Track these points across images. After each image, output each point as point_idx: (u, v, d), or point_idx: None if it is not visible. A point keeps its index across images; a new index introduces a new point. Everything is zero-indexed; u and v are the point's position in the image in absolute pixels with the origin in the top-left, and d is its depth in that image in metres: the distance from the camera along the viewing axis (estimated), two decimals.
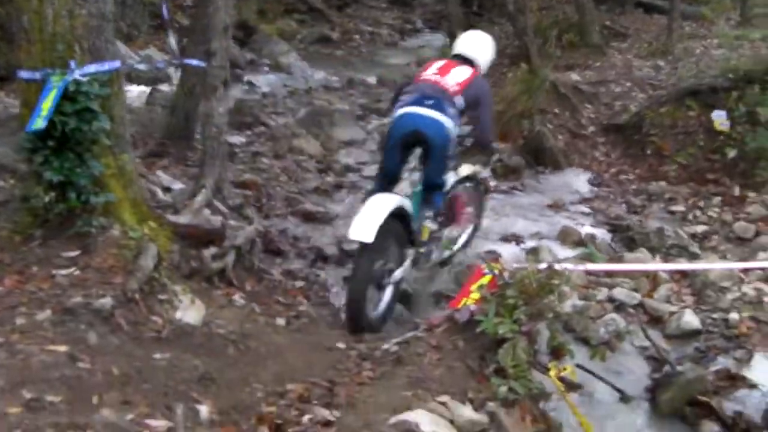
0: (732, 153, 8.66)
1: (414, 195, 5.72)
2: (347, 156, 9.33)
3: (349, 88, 12.40)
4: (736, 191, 8.36)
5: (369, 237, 5.12)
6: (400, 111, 5.74)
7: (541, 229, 7.70)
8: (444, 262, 6.38)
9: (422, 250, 5.90)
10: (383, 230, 5.17)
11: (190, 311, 4.55)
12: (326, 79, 12.87)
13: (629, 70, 10.67)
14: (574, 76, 10.32)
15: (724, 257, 7.09)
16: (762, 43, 11.07)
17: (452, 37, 13.22)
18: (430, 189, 5.87)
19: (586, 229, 7.70)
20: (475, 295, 4.62)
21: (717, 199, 8.27)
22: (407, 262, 5.73)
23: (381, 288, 5.52)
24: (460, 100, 5.77)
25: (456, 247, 6.53)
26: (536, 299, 4.46)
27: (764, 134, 8.10)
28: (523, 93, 9.63)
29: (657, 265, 6.52)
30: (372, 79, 12.95)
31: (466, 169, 6.44)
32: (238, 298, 5.32)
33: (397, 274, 5.60)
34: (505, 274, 4.64)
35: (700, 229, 7.73)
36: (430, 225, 5.92)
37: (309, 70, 13.05)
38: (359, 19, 17.66)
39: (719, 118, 8.83)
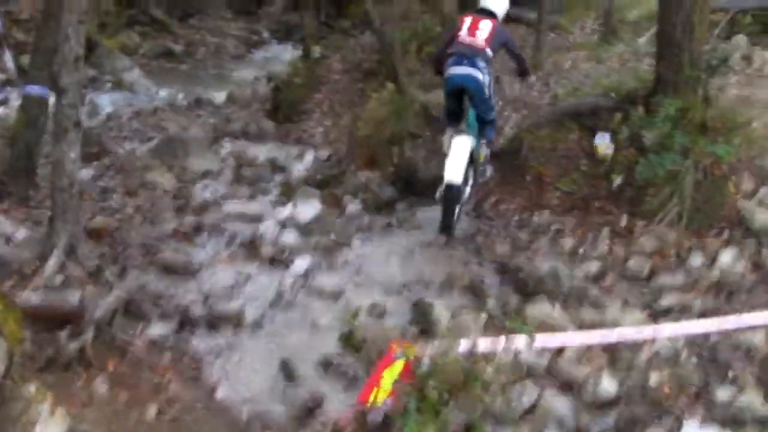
0: (618, 180, 8.47)
1: (470, 127, 8.48)
2: (204, 189, 8.98)
3: (197, 107, 11.95)
4: (624, 221, 8.18)
5: (458, 178, 7.90)
6: (448, 71, 8.14)
7: (426, 274, 7.33)
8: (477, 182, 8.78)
9: (480, 169, 8.67)
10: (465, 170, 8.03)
11: (50, 425, 3.99)
12: (172, 97, 12.39)
13: (500, 87, 10.40)
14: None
15: (625, 303, 6.88)
16: (633, 56, 11.08)
17: (306, 48, 12.84)
18: (483, 123, 8.50)
19: (474, 272, 7.37)
20: (388, 385, 4.11)
21: (606, 230, 8.05)
22: (470, 181, 8.45)
23: (459, 208, 8.18)
24: (488, 52, 8.11)
25: (488, 174, 8.92)
26: (462, 391, 3.98)
27: (652, 163, 7.91)
28: (392, 116, 9.21)
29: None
30: (221, 97, 12.50)
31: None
32: (100, 384, 4.85)
33: (466, 191, 8.35)
34: (424, 360, 4.15)
35: (594, 267, 7.50)
36: (485, 150, 8.66)
37: (153, 87, 12.53)
38: (204, 30, 17.38)
39: (603, 142, 8.64)
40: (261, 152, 10.69)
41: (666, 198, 8.06)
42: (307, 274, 7.20)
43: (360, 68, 12.20)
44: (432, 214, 8.55)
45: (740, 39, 12.21)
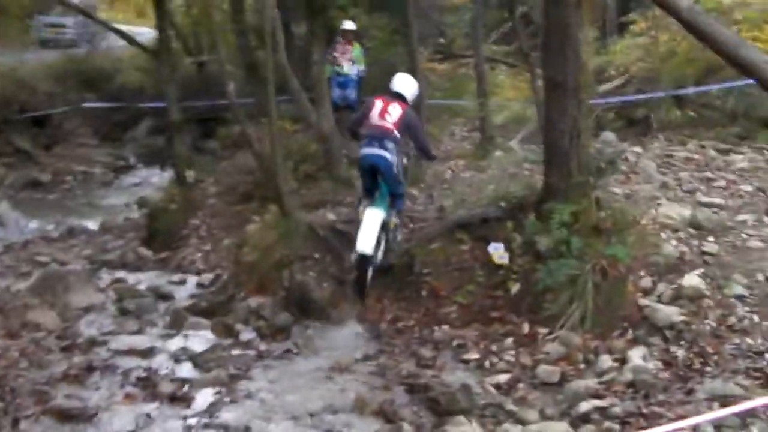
0: (515, 287, 8.50)
1: (383, 199, 9.08)
2: (89, 326, 8.72)
3: (70, 237, 11.62)
4: (526, 329, 8.18)
5: (370, 249, 8.59)
6: (361, 151, 9.08)
7: (333, 401, 7.07)
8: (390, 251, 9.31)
9: (392, 235, 9.30)
10: (376, 244, 8.71)
11: None
12: (43, 229, 11.94)
13: None
14: (329, 215, 9.85)
15: (542, 413, 6.78)
16: (512, 162, 11.29)
17: (179, 172, 12.62)
18: (393, 196, 9.21)
19: (382, 396, 7.16)
20: None
21: (509, 340, 8.04)
22: (383, 245, 9.07)
23: (371, 273, 8.85)
24: (396, 134, 8.94)
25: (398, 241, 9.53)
26: None
27: (552, 270, 7.97)
28: (279, 240, 9.05)
29: None
30: (94, 226, 12.06)
31: None
32: None
33: (378, 255, 8.97)
34: None
35: (503, 378, 7.43)
36: (395, 219, 9.34)
37: (23, 219, 12.11)
38: (69, 158, 17.07)
39: (496, 251, 8.68)
40: (142, 281, 10.48)
41: (565, 303, 8.10)
42: (210, 411, 6.85)
43: (235, 191, 12.11)
44: (331, 335, 8.37)
45: (608, 135, 12.71)
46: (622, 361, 7.36)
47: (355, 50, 14.09)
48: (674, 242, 8.81)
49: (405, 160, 9.36)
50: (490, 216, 9.02)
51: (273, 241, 9.16)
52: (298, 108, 11.47)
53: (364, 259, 8.63)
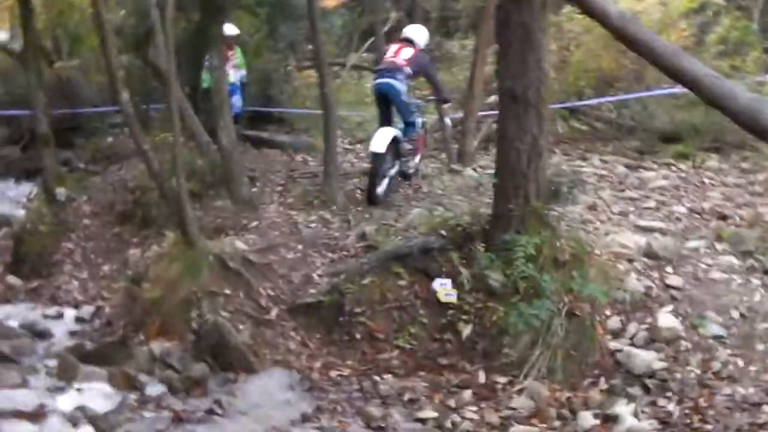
0: (467, 330, 7.82)
1: (395, 125, 10.93)
2: None
3: None
4: (482, 378, 7.51)
5: (381, 149, 10.34)
6: (374, 82, 11.10)
7: None
8: (408, 176, 11.36)
9: (404, 159, 11.05)
10: (387, 147, 10.42)
11: None
12: None
13: (295, 228, 9.48)
14: (239, 244, 8.86)
15: None
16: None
17: (48, 190, 11.42)
18: (406, 124, 11.05)
19: None
20: None
21: (467, 393, 7.30)
22: (397, 166, 10.94)
23: (383, 178, 10.58)
24: (407, 69, 10.73)
25: (411, 170, 11.40)
26: None
27: (523, 313, 7.34)
28: (184, 273, 8.03)
29: None
30: None
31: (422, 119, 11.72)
32: None
33: (392, 172, 10.80)
34: None
35: None
36: (407, 146, 11.06)
37: None
38: None
39: (443, 288, 7.97)
40: (12, 316, 9.41)
41: (526, 348, 7.53)
42: None
43: (113, 210, 11.03)
44: (256, 389, 7.44)
45: None
46: (606, 418, 6.82)
47: (238, 56, 13.85)
48: (634, 275, 8.40)
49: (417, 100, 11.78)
50: (431, 246, 8.27)
51: (176, 275, 8.13)
52: (183, 118, 10.47)
53: (377, 160, 10.32)
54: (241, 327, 8.02)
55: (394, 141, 10.58)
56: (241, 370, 7.73)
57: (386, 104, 10.84)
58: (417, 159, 11.61)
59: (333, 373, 7.79)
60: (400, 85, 10.59)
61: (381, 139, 10.36)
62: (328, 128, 10.50)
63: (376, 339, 8.02)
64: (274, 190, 11.08)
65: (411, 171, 11.29)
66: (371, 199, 10.38)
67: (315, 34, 11.03)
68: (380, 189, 10.46)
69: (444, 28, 20.27)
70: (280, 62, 15.03)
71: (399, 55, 10.88)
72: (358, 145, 13.87)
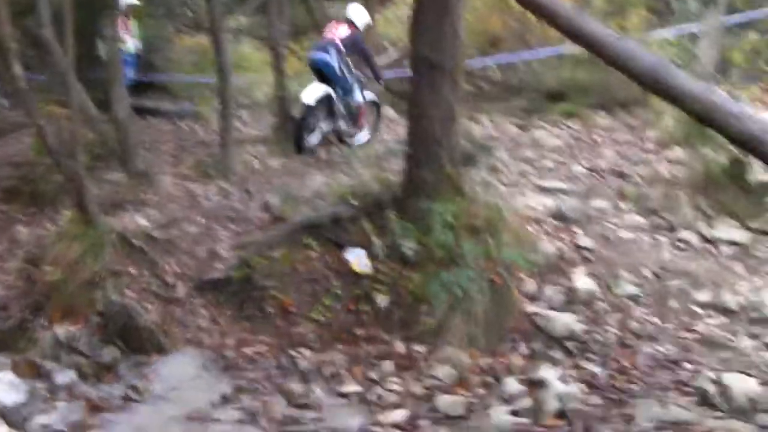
0: (383, 300, 7.77)
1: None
2: None
3: None
4: (401, 348, 7.46)
5: (310, 101, 11.59)
6: (309, 54, 12.57)
7: None
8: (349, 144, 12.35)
9: (340, 122, 12.35)
10: (319, 101, 11.73)
11: None
12: None
13: (194, 200, 9.28)
14: (141, 220, 8.60)
15: None
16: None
17: None
18: (341, 91, 12.22)
19: None
20: None
21: (387, 364, 7.23)
22: (329, 125, 12.18)
23: (312, 131, 11.80)
24: (339, 45, 12.03)
25: (356, 143, 12.49)
26: None
27: (445, 282, 7.34)
28: (86, 253, 7.75)
29: None
30: None
31: (369, 95, 12.79)
32: None
33: (324, 127, 12.11)
34: None
35: (399, 415, 6.47)
36: (341, 109, 12.25)
37: None
38: None
39: (357, 258, 7.91)
40: None
41: (444, 315, 7.53)
42: None
43: None
44: (171, 371, 7.24)
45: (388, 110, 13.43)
46: (532, 383, 6.88)
47: (134, 26, 13.84)
48: (545, 237, 8.53)
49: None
50: (342, 216, 8.17)
51: (77, 255, 7.84)
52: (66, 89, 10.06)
53: (305, 111, 11.55)
54: (149, 307, 7.80)
55: (328, 99, 11.85)
56: (153, 352, 7.49)
57: (321, 77, 12.03)
58: (363, 133, 12.79)
59: (248, 350, 7.63)
60: (331, 59, 11.92)
61: (311, 92, 11.63)
62: (224, 97, 10.30)
63: (289, 313, 7.88)
64: (167, 161, 10.81)
65: (357, 143, 12.43)
66: (299, 148, 11.54)
67: (210, 2, 10.72)
68: (311, 141, 11.75)
69: None
70: (159, 28, 14.60)
71: (334, 32, 12.21)
72: (242, 112, 13.65)
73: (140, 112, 13.08)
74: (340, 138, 12.45)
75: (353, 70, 12.37)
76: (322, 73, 11.98)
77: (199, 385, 7.13)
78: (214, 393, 6.97)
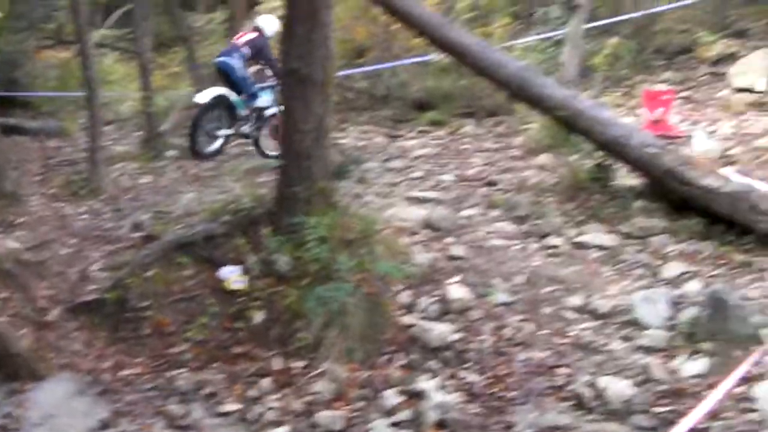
0: (259, 316, 7.82)
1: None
2: None
3: None
4: (279, 364, 7.51)
5: (203, 100, 12.31)
6: (214, 59, 12.99)
7: None
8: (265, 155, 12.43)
9: (240, 126, 12.96)
10: (214, 102, 12.44)
11: None
12: None
13: (65, 221, 9.15)
14: (10, 242, 8.42)
15: None
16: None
17: None
18: (248, 96, 12.87)
19: None
20: None
21: (266, 382, 7.28)
22: (231, 130, 12.78)
23: (211, 137, 12.56)
24: (245, 50, 12.84)
25: (272, 154, 11.88)
26: None
27: (321, 296, 7.44)
28: None
29: None
30: None
31: None
32: None
33: (223, 132, 12.72)
34: None
35: None
36: (242, 112, 12.83)
37: None
38: None
39: (231, 275, 7.94)
40: None
41: (321, 330, 7.62)
42: None
43: None
44: (47, 397, 7.14)
45: None
46: (411, 394, 7.04)
47: None
48: (418, 248, 8.70)
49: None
50: (215, 233, 8.20)
51: None
52: None
53: (199, 111, 12.31)
54: (22, 332, 7.68)
55: (227, 103, 12.54)
56: (28, 379, 7.34)
57: (227, 80, 12.74)
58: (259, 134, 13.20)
59: (125, 373, 7.57)
60: (234, 62, 12.66)
61: (205, 93, 12.45)
62: (92, 112, 10.16)
63: (165, 333, 7.85)
64: (35, 181, 10.62)
65: (272, 154, 12.15)
66: (195, 153, 12.20)
67: (77, 15, 10.57)
68: (210, 147, 12.53)
69: (188, 1, 19.92)
70: (20, 43, 14.28)
71: (241, 39, 13.05)
72: (107, 127, 13.48)
73: (4, 130, 12.79)
74: (258, 148, 12.91)
75: (265, 76, 13.08)
76: (227, 77, 12.59)
77: (76, 410, 7.06)
78: (92, 418, 6.95)
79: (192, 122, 12.21)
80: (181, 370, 7.57)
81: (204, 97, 12.28)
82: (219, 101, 12.43)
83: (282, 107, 8.38)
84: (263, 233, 8.06)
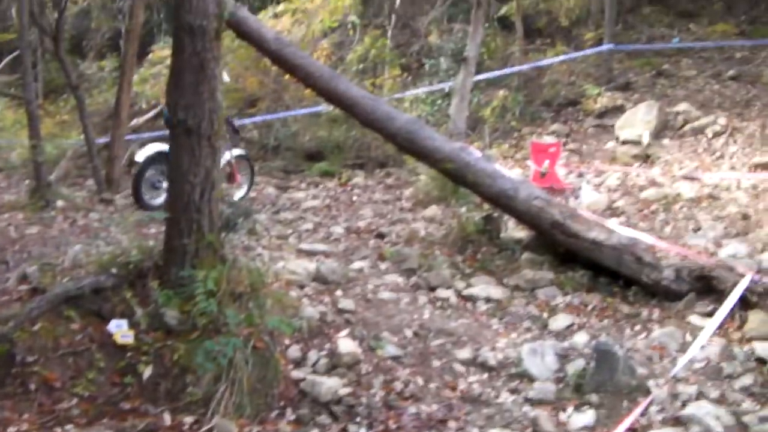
0: (147, 371, 7.83)
1: None
2: None
3: None
4: (168, 420, 7.52)
5: (140, 158, 12.81)
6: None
7: None
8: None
9: None
10: (152, 158, 12.73)
11: None
12: None
13: None
14: None
15: None
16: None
17: None
18: None
19: None
20: None
21: None
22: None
23: (156, 188, 12.80)
24: None
25: (237, 197, 12.81)
26: None
27: (209, 351, 7.48)
28: None
29: None
30: None
31: (237, 151, 13.33)
32: None
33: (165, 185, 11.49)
34: None
35: None
36: None
37: None
38: None
39: (119, 329, 7.93)
40: None
41: (211, 385, 7.67)
42: None
43: None
44: None
45: None
46: None
47: None
48: (307, 301, 8.82)
49: None
50: (103, 285, 8.18)
51: None
52: None
53: (139, 167, 12.76)
54: None
55: (167, 157, 11.71)
56: None
57: None
58: (241, 189, 13.23)
59: (11, 430, 7.49)
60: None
61: (144, 150, 12.95)
62: None
63: (53, 389, 7.74)
64: None
65: (235, 198, 12.68)
66: (141, 206, 12.64)
67: None
68: (157, 199, 12.61)
69: (78, 48, 19.76)
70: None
71: None
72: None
73: None
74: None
75: None
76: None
77: None
78: None
79: (134, 179, 12.65)
80: (69, 427, 7.48)
81: (141, 155, 12.76)
82: (158, 156, 12.53)
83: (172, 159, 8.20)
84: (151, 286, 8.06)
